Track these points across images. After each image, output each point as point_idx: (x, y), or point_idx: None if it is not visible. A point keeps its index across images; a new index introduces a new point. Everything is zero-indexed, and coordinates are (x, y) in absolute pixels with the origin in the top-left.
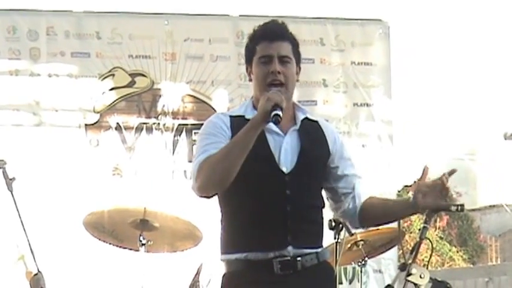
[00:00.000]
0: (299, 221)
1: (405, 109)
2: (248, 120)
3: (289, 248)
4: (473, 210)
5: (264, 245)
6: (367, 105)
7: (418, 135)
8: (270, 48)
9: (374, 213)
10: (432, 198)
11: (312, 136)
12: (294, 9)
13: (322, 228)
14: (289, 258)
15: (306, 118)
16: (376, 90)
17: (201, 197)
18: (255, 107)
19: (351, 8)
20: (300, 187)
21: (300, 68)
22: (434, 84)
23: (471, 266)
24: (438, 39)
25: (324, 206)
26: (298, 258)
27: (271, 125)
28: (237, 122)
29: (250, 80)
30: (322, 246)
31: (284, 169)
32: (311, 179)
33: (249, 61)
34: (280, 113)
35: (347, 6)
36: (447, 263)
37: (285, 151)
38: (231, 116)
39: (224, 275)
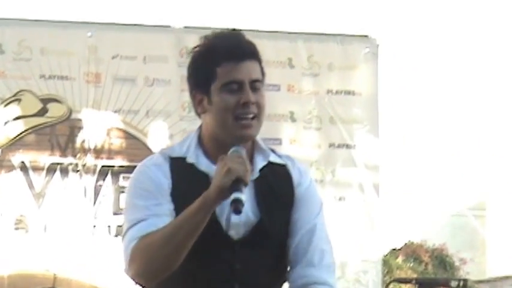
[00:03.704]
0: None
1: (395, 152)
2: (190, 164)
3: None
4: (481, 281)
5: None
6: (347, 146)
7: (411, 185)
8: (239, 71)
9: None
10: None
11: (275, 190)
12: (255, 21)
13: None
14: None
15: (269, 163)
16: (359, 127)
17: (137, 284)
18: (201, 147)
19: (329, 20)
20: (253, 259)
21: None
22: (433, 120)
23: None
24: (439, 61)
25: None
26: None
27: None
28: (177, 167)
29: (200, 112)
30: None
31: (233, 234)
32: (269, 249)
33: (203, 87)
34: (243, 197)
35: (324, 18)
36: None
37: None
38: (171, 158)
39: None
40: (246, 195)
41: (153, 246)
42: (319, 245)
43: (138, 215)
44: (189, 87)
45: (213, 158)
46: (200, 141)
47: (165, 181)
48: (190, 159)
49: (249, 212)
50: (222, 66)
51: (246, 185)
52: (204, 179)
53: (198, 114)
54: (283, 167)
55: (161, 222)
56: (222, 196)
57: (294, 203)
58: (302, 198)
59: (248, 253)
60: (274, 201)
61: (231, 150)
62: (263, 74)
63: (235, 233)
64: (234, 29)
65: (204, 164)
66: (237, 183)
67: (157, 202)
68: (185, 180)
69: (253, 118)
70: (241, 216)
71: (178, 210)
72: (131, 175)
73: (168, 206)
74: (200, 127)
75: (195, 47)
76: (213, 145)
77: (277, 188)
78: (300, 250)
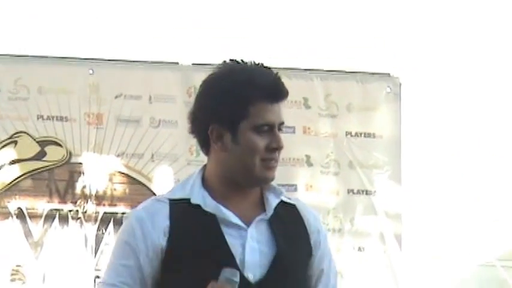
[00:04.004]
0: None
1: (419, 199)
2: (195, 206)
3: None
4: None
5: None
6: (367, 192)
7: (435, 235)
8: (272, 113)
9: None
10: None
11: (290, 229)
12: (268, 57)
13: None
14: None
15: (281, 202)
16: (379, 172)
17: None
18: (206, 188)
19: (347, 57)
20: None
21: None
22: (461, 165)
23: None
24: (468, 101)
25: None
26: None
27: (229, 215)
28: (180, 209)
29: (218, 149)
30: None
31: (250, 276)
32: None
33: (229, 124)
34: None
35: (342, 54)
36: None
37: (252, 250)
38: (171, 201)
39: None
40: (261, 235)
41: None
42: None
43: (111, 276)
44: (201, 117)
45: (220, 199)
46: (204, 181)
47: (153, 235)
48: (195, 200)
49: (265, 252)
50: (255, 105)
51: None
52: (211, 220)
53: (207, 151)
54: (293, 208)
55: None
56: None
57: (312, 249)
58: (324, 251)
59: None
60: (289, 240)
61: (225, 274)
62: None
63: (252, 276)
64: (260, 64)
65: (211, 206)
66: None
67: (131, 263)
68: (190, 222)
69: (276, 161)
70: (255, 256)
71: (182, 253)
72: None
73: (140, 274)
74: (204, 167)
75: (213, 74)
76: (223, 185)
77: (292, 227)
78: None
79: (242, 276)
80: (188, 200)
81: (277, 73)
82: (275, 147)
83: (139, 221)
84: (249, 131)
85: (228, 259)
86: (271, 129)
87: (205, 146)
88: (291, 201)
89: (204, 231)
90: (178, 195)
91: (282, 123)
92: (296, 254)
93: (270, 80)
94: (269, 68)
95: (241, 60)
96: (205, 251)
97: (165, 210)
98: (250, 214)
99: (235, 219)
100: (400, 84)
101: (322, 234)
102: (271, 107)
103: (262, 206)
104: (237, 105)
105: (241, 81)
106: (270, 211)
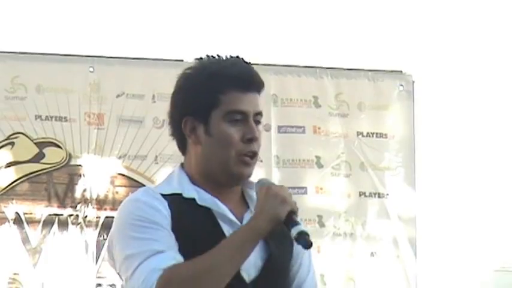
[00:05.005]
0: None
1: (433, 202)
2: (189, 199)
3: None
4: None
5: None
6: (380, 195)
7: (450, 238)
8: (245, 101)
9: None
10: None
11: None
12: (276, 54)
13: None
14: None
15: None
16: (392, 174)
17: None
18: (194, 182)
19: (359, 54)
20: None
21: None
22: (476, 167)
23: None
24: (484, 99)
25: None
26: None
27: (224, 209)
28: (174, 202)
29: (192, 142)
30: None
31: (245, 276)
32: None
33: (201, 114)
34: (306, 230)
35: (353, 51)
36: None
37: None
38: (163, 195)
39: None
40: None
41: (197, 277)
42: None
43: (149, 247)
44: (175, 113)
45: (213, 193)
46: (188, 176)
47: (166, 214)
48: (188, 194)
49: (256, 251)
50: (226, 94)
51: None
52: (207, 214)
53: (183, 147)
54: None
55: (179, 256)
56: (276, 226)
57: (293, 247)
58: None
59: None
60: (277, 239)
61: (261, 181)
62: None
63: (247, 276)
64: (237, 56)
65: (207, 199)
66: (293, 215)
67: (164, 232)
68: (187, 215)
69: (253, 157)
70: (250, 256)
71: (181, 246)
72: (115, 215)
73: (173, 237)
74: (182, 165)
75: (188, 69)
76: (209, 181)
77: None
78: None
79: (238, 276)
80: (180, 194)
81: (249, 63)
82: (250, 138)
83: (148, 200)
84: (221, 120)
85: None
86: (246, 120)
87: (182, 144)
88: None
89: (202, 225)
90: (169, 190)
91: (258, 113)
92: (284, 253)
93: (241, 69)
94: (243, 59)
95: (217, 54)
96: (205, 245)
97: (163, 201)
98: (239, 210)
99: (230, 215)
100: (413, 82)
101: None
102: (243, 96)
103: (244, 201)
104: (207, 95)
105: (211, 73)
106: (253, 206)
